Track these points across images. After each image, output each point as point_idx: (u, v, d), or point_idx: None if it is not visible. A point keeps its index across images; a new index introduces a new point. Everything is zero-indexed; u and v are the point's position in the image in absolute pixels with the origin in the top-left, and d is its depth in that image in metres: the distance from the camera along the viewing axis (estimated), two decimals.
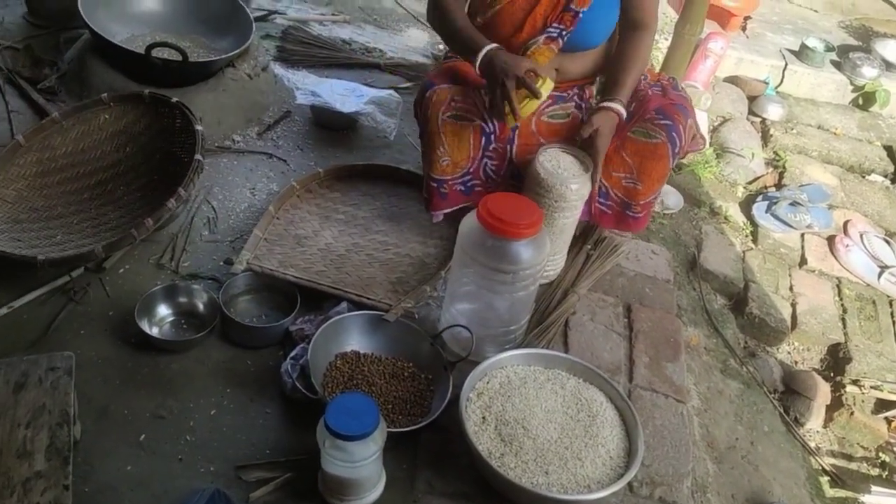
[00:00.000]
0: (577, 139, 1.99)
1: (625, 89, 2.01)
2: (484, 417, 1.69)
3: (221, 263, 2.13)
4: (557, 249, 2.13)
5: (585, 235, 2.40)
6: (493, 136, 2.05)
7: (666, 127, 2.00)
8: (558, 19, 1.96)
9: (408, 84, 3.17)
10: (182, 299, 1.98)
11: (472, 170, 2.10)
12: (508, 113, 1.88)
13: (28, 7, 3.05)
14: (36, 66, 2.77)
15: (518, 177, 2.09)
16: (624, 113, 1.99)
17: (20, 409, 1.50)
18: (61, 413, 1.50)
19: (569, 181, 1.95)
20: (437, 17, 2.07)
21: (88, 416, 1.68)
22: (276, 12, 3.55)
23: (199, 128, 2.10)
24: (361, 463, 1.50)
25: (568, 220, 2.04)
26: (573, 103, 2.13)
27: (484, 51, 1.90)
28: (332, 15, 3.68)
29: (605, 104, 1.99)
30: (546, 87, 1.87)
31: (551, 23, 1.97)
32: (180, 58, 2.45)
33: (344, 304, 1.96)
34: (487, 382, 1.77)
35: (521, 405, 1.71)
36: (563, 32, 1.97)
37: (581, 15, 1.95)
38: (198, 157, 2.03)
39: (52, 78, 2.70)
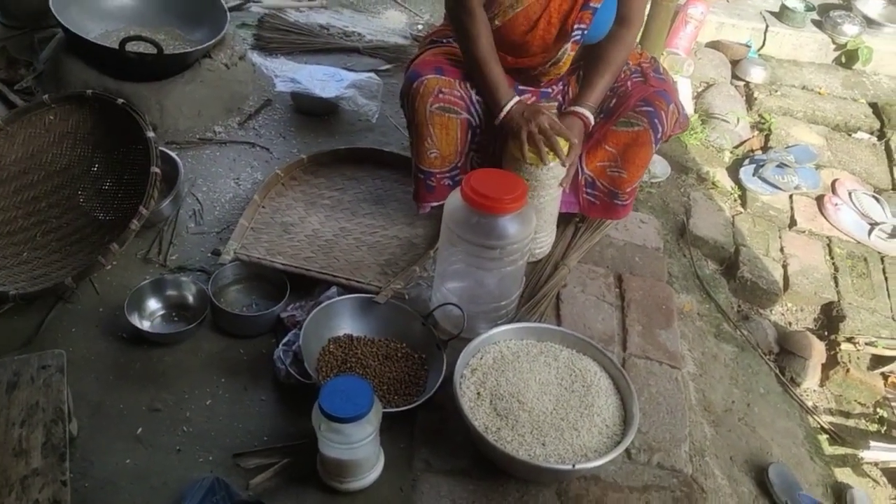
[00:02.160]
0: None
1: (596, 93, 2.02)
2: (479, 393, 1.69)
3: (209, 255, 2.12)
4: (541, 227, 2.12)
5: None
6: (478, 130, 2.05)
7: (648, 114, 2.00)
8: (578, 19, 1.94)
9: (388, 66, 3.15)
10: (171, 292, 1.98)
11: (459, 164, 2.09)
12: (533, 155, 1.90)
13: (1, 9, 3.02)
14: (11, 67, 2.74)
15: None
16: (591, 119, 2.01)
17: (14, 408, 1.50)
18: (55, 410, 1.50)
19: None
20: (457, 29, 2.02)
21: (84, 413, 1.68)
22: (251, 1, 3.52)
23: (150, 134, 2.03)
24: (358, 444, 1.50)
25: (545, 198, 2.03)
26: (556, 102, 2.13)
27: (509, 105, 1.94)
28: (309, 1, 3.64)
29: (573, 108, 2.01)
30: (563, 144, 1.92)
31: (572, 24, 1.94)
32: (155, 51, 2.43)
33: (334, 289, 1.96)
34: (481, 358, 1.77)
35: (515, 379, 1.72)
36: (585, 31, 1.96)
37: (595, 10, 1.94)
38: (154, 169, 1.97)
39: (28, 78, 2.68)
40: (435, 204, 2.13)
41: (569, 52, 1.99)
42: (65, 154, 2.21)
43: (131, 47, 2.43)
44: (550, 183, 1.99)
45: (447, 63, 2.02)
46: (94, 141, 2.20)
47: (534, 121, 1.89)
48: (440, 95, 1.96)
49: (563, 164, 1.94)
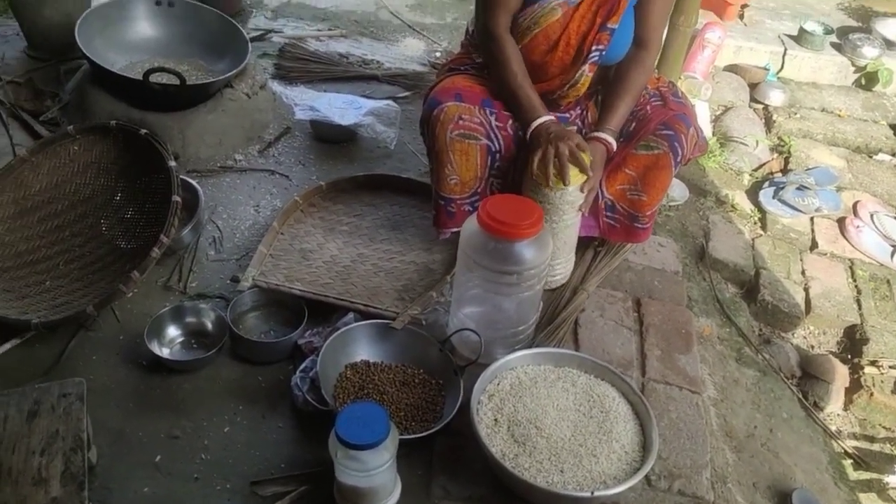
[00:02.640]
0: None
1: (617, 117, 2.03)
2: (496, 419, 1.69)
3: (228, 282, 2.14)
4: (556, 254, 2.10)
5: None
6: (498, 155, 2.05)
7: (668, 137, 2.00)
8: (596, 40, 1.96)
9: (406, 93, 3.18)
10: (190, 319, 1.99)
11: (479, 190, 2.10)
12: (555, 175, 1.89)
13: (28, 42, 3.10)
14: (38, 98, 2.81)
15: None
16: (614, 144, 2.02)
17: (34, 436, 1.51)
18: (75, 438, 1.51)
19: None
20: (489, 58, 2.07)
21: (104, 441, 1.69)
22: (272, 31, 3.58)
23: (172, 164, 2.06)
24: (375, 471, 1.49)
25: (559, 224, 2.01)
26: (575, 126, 2.14)
27: (540, 121, 1.95)
28: (329, 30, 3.70)
29: (595, 134, 2.02)
30: (577, 176, 1.92)
31: (590, 45, 1.96)
32: (178, 81, 2.47)
33: (351, 315, 1.97)
34: (498, 384, 1.76)
35: (532, 405, 1.71)
36: (602, 53, 1.98)
37: (613, 31, 1.96)
38: (175, 198, 2.00)
39: (54, 109, 2.74)
40: (455, 229, 2.14)
41: (587, 73, 2.00)
42: (88, 184, 2.25)
43: (155, 78, 2.47)
44: (566, 208, 1.99)
45: (466, 90, 2.04)
46: (117, 171, 2.24)
47: (560, 142, 1.89)
48: (460, 122, 1.97)
49: (581, 191, 1.95)
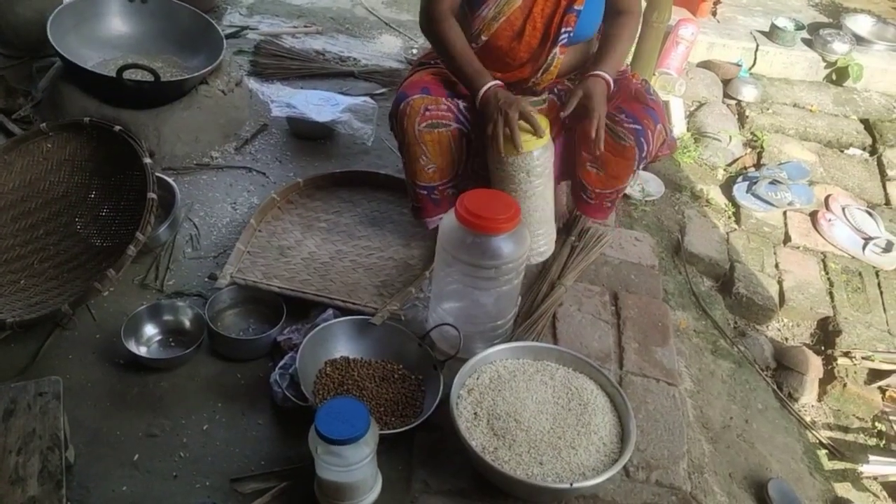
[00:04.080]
0: (562, 115, 1.98)
1: (611, 62, 2.01)
2: (476, 413, 1.69)
3: (206, 279, 2.12)
4: (542, 221, 2.07)
5: (569, 227, 2.41)
6: (472, 136, 2.06)
7: (635, 132, 2.00)
8: (564, 22, 1.96)
9: (383, 90, 3.18)
10: (168, 317, 1.98)
11: (460, 172, 2.10)
12: (508, 142, 1.88)
13: None
14: (10, 96, 2.76)
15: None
16: (611, 81, 1.98)
17: (10, 435, 1.50)
18: (52, 437, 1.50)
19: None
20: (432, 41, 2.06)
21: (81, 440, 1.68)
22: (247, 28, 3.56)
23: (146, 161, 2.05)
24: (355, 466, 1.50)
25: (528, 192, 1.98)
26: (546, 91, 2.14)
27: (485, 88, 1.94)
28: (304, 27, 3.68)
29: (592, 72, 1.99)
30: (545, 123, 1.91)
31: (557, 27, 1.97)
32: (152, 78, 2.45)
33: (330, 311, 1.97)
34: (477, 378, 1.77)
35: (511, 398, 1.72)
36: (571, 34, 1.99)
37: (579, 12, 1.96)
38: (151, 195, 1.99)
39: (26, 107, 2.70)
40: (444, 215, 2.13)
41: (558, 55, 2.01)
42: (62, 181, 2.22)
43: (129, 75, 2.45)
44: (533, 176, 1.96)
45: (434, 83, 2.04)
46: (91, 168, 2.22)
47: (509, 109, 1.87)
48: (426, 113, 1.97)
49: (541, 136, 1.90)
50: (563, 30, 1.97)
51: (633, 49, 3.22)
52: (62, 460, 1.47)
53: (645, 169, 2.79)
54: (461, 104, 2.02)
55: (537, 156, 1.93)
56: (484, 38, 1.99)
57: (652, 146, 2.03)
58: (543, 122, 1.92)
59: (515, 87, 2.08)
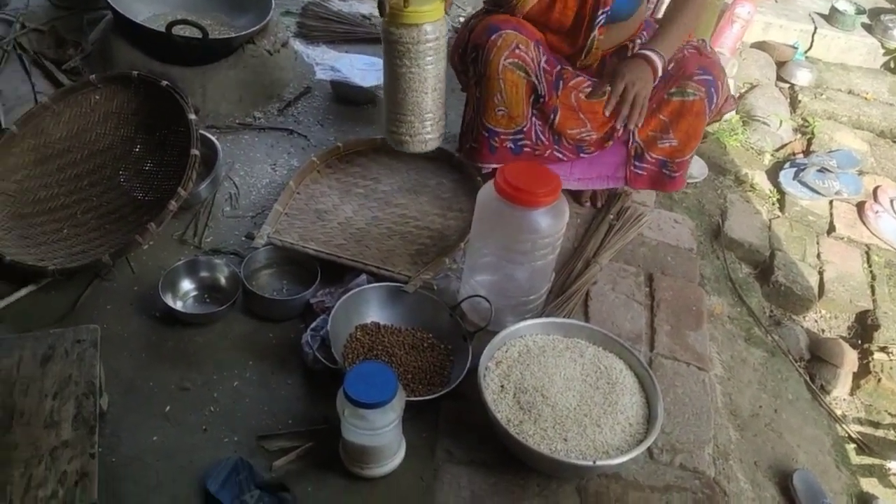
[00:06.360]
0: (604, 112, 1.92)
1: (665, 40, 1.94)
2: (503, 386, 1.70)
3: (243, 238, 2.15)
4: (431, 107, 2.02)
5: (608, 205, 2.39)
6: (541, 99, 2.05)
7: (706, 82, 1.99)
8: (603, 3, 1.94)
9: None
10: (204, 274, 2.01)
11: (525, 129, 2.09)
12: (398, 12, 1.81)
13: None
14: (60, 47, 2.80)
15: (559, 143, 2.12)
16: (658, 62, 1.90)
17: (47, 380, 1.54)
18: (87, 384, 1.54)
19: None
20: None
21: (115, 389, 1.72)
22: None
23: (192, 117, 2.06)
24: (381, 430, 1.51)
25: (429, 66, 1.92)
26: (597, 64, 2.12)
27: None
28: None
29: (639, 50, 1.94)
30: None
31: (592, 7, 1.95)
32: (200, 35, 2.46)
33: (364, 277, 1.98)
34: (506, 351, 1.77)
35: (539, 373, 1.72)
36: (608, 13, 1.96)
37: None
38: (194, 151, 2.00)
39: (76, 59, 2.73)
40: (495, 166, 2.11)
41: (597, 37, 1.99)
42: (108, 134, 2.25)
43: (177, 31, 2.47)
44: (420, 51, 1.88)
45: (525, 26, 2.00)
46: (137, 122, 2.25)
47: None
48: (516, 51, 1.94)
49: (437, 16, 1.84)
50: (601, 11, 1.95)
51: None
52: (96, 407, 1.50)
53: None
54: (543, 62, 2.01)
55: (430, 31, 1.86)
56: (521, 12, 1.99)
57: (720, 97, 2.02)
58: None
59: (568, 60, 2.08)
